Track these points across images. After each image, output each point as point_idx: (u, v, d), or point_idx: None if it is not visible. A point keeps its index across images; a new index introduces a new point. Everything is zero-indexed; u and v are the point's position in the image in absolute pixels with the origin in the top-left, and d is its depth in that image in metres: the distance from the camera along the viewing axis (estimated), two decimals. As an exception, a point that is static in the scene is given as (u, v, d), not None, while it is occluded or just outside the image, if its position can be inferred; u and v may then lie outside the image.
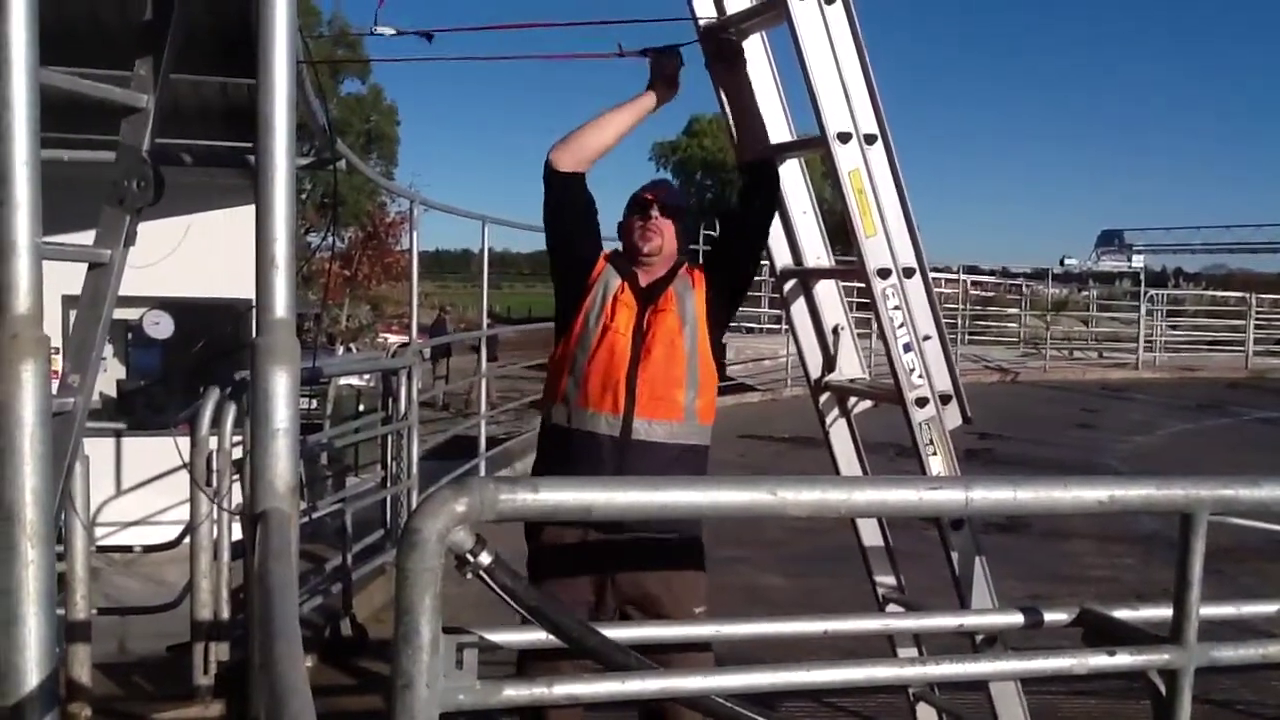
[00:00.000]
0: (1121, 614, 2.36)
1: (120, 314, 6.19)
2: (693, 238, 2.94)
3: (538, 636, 1.94)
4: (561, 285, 2.96)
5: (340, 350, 14.13)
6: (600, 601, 2.82)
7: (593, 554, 2.78)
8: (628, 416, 2.78)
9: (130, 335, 7.11)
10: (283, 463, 1.66)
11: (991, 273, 29.48)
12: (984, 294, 26.70)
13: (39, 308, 1.58)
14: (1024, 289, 27.04)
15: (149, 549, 6.36)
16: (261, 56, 1.59)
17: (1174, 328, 24.78)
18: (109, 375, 7.01)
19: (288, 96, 1.64)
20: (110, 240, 2.05)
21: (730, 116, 2.92)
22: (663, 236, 2.88)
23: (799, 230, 2.81)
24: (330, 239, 8.69)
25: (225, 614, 4.14)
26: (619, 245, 2.98)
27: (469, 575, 1.75)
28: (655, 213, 2.87)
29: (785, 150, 2.81)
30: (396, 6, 2.91)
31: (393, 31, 2.85)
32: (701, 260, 2.96)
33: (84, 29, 5.30)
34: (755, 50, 2.80)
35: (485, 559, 1.73)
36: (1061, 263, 42.19)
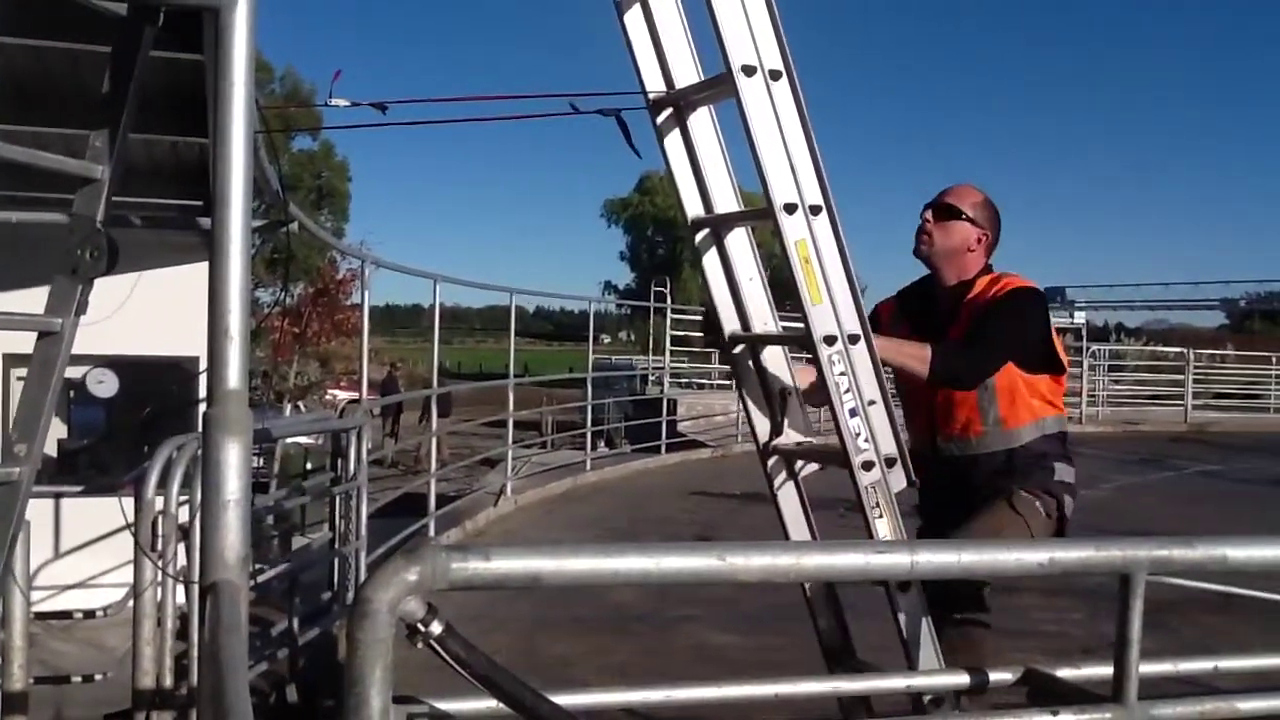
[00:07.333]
0: (1065, 673, 2.42)
1: (64, 373, 6.09)
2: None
3: (490, 704, 1.94)
4: None
5: (288, 408, 13.98)
6: None
7: None
8: None
9: (73, 394, 6.97)
10: (233, 534, 1.65)
11: (937, 329, 29.80)
12: (930, 350, 27.03)
13: (-12, 379, 1.57)
14: (969, 345, 27.39)
15: (88, 614, 6.21)
16: (220, 132, 1.61)
17: (1116, 382, 25.20)
18: (50, 434, 6.87)
19: (244, 169, 1.67)
20: (62, 309, 2.04)
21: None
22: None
23: (746, 297, 2.86)
24: (282, 299, 8.66)
25: (168, 682, 4.06)
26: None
27: (420, 645, 1.76)
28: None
29: (733, 220, 2.87)
30: (350, 78, 2.96)
31: (347, 103, 2.90)
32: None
33: (34, 85, 5.29)
34: (703, 123, 2.87)
35: (436, 628, 1.73)
36: (1005, 319, 42.83)
